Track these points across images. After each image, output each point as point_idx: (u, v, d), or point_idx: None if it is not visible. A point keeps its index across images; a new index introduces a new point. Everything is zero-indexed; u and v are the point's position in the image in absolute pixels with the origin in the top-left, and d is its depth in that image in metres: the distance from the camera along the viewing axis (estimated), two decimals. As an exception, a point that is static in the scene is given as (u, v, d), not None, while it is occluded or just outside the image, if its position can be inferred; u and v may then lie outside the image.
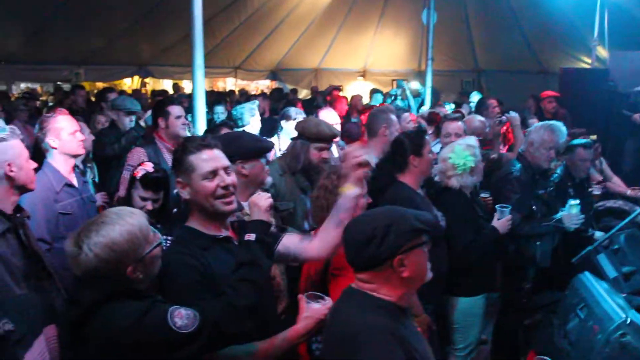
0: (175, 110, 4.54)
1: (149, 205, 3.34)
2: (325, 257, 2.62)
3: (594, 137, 5.86)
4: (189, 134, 4.57)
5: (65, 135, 3.79)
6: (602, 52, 10.68)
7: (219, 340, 2.01)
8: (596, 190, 5.15)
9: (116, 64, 11.89)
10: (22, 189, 2.92)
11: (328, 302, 2.29)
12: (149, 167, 3.42)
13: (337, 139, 4.73)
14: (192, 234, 2.28)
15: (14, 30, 9.20)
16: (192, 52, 4.51)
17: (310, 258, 2.63)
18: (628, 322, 2.85)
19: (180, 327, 1.90)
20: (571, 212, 4.05)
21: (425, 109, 8.38)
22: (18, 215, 2.88)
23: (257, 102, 5.98)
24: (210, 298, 2.06)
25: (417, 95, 11.10)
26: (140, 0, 9.29)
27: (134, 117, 5.65)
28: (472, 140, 4.01)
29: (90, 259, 1.92)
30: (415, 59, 14.51)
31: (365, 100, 11.48)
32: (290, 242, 2.53)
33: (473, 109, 7.94)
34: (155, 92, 12.11)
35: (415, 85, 12.14)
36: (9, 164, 2.82)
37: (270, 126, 6.06)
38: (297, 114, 5.32)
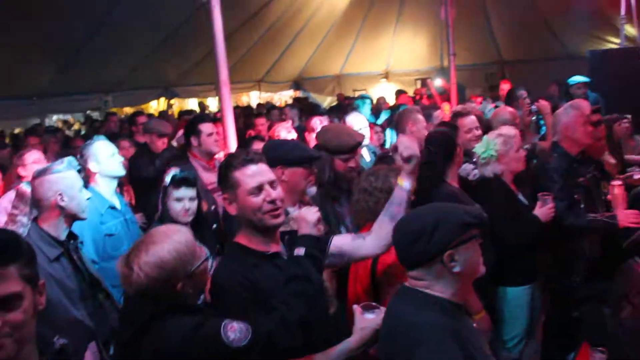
0: (207, 127, 4.64)
1: (187, 203, 3.43)
2: (381, 252, 2.58)
3: (628, 116, 5.68)
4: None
5: (104, 158, 3.99)
6: (631, 30, 10.43)
7: (271, 354, 2.01)
8: (637, 174, 4.97)
9: (142, 88, 12.10)
10: (74, 217, 3.10)
11: (383, 312, 2.25)
12: (173, 170, 3.55)
13: (366, 141, 4.77)
14: (242, 251, 2.29)
15: (43, 66, 9.48)
16: (216, 69, 4.56)
17: (366, 255, 2.60)
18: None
19: (234, 341, 1.92)
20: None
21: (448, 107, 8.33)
22: (72, 241, 3.05)
23: (290, 121, 6.13)
24: (261, 314, 2.07)
25: (442, 92, 11.02)
26: (160, 24, 9.41)
27: (166, 140, 5.82)
28: (505, 129, 3.98)
29: (141, 279, 1.96)
30: (437, 56, 14.44)
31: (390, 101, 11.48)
32: (342, 242, 2.53)
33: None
34: (182, 112, 12.28)
35: (439, 82, 12.06)
36: (60, 194, 2.99)
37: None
38: (321, 123, 5.39)
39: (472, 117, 4.67)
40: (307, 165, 3.07)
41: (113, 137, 6.51)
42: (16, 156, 4.80)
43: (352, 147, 3.65)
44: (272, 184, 2.31)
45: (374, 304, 2.33)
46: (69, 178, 3.07)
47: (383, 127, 7.38)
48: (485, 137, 3.93)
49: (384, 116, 8.96)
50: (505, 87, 9.26)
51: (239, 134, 5.83)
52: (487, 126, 4.90)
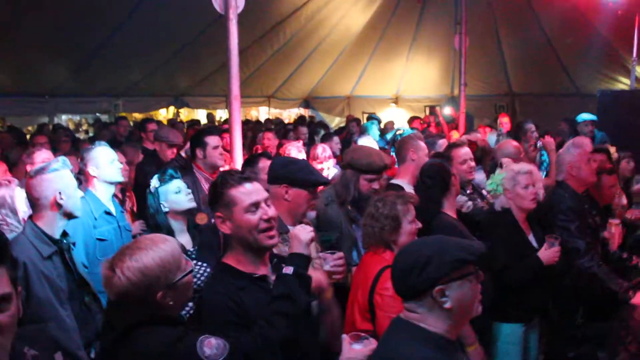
0: (213, 140, 4.64)
1: (186, 190, 3.51)
2: None
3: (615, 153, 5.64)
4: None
5: (104, 163, 4.01)
6: (641, 72, 10.50)
7: None
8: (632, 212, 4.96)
9: (153, 95, 12.18)
10: (69, 216, 3.12)
11: (372, 343, 2.24)
12: (155, 176, 3.55)
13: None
14: (229, 272, 2.27)
15: (58, 66, 9.58)
16: (228, 83, 4.61)
17: None
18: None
19: (209, 357, 1.90)
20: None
21: (457, 135, 8.33)
22: (64, 241, 3.08)
23: (301, 142, 6.19)
24: (242, 332, 2.06)
25: (450, 121, 11.05)
26: (177, 34, 9.49)
27: (175, 150, 5.89)
28: (518, 165, 3.98)
29: (122, 282, 1.95)
30: (448, 85, 14.50)
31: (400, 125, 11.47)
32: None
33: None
34: (191, 122, 12.34)
35: (448, 111, 12.10)
36: (59, 192, 3.03)
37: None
38: (324, 153, 5.47)
39: (466, 149, 4.67)
40: (312, 189, 3.07)
41: (118, 143, 6.59)
42: (25, 154, 4.82)
43: (380, 168, 3.73)
44: (266, 201, 2.31)
45: (362, 334, 2.30)
46: (66, 177, 3.11)
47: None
48: (497, 170, 3.96)
49: (389, 136, 8.95)
50: (504, 120, 9.25)
51: (246, 147, 5.87)
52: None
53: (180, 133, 6.70)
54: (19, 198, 3.52)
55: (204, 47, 9.90)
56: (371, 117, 9.91)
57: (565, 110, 10.47)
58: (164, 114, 14.95)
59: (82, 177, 4.02)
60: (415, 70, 14.63)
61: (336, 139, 7.31)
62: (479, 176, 5.13)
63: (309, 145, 6.89)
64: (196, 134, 5.06)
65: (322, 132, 8.94)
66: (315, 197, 3.16)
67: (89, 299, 3.10)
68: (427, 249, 1.94)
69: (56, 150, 6.17)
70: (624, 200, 5.07)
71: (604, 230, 4.36)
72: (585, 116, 8.31)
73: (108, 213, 3.98)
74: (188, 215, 3.57)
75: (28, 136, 9.91)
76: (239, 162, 4.54)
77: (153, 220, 3.49)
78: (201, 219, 3.72)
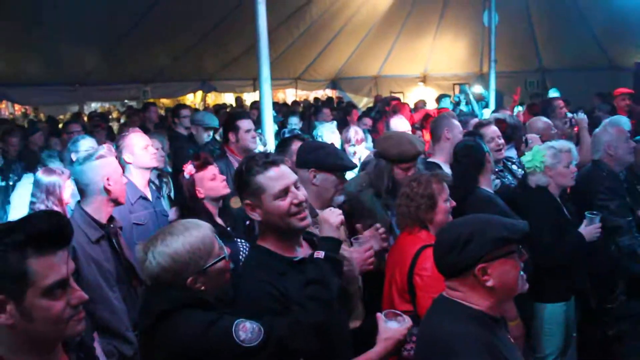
0: (245, 124, 4.67)
1: (220, 176, 3.46)
2: None
3: None
4: (261, 146, 4.71)
5: (138, 150, 4.12)
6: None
7: (283, 356, 2.01)
8: None
9: (181, 80, 12.27)
10: (116, 202, 3.22)
11: (407, 321, 2.25)
12: (188, 163, 3.51)
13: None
14: (269, 257, 2.24)
15: (88, 54, 9.71)
16: (258, 65, 4.60)
17: None
18: None
19: (244, 341, 1.93)
20: None
21: (489, 113, 8.22)
22: (112, 225, 3.18)
23: (335, 122, 6.14)
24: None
25: (480, 99, 10.90)
26: (205, 17, 9.51)
27: (211, 132, 5.95)
28: (561, 143, 3.93)
29: (153, 267, 2.01)
30: (477, 62, 14.29)
31: (430, 105, 11.39)
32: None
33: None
34: (217, 107, 12.42)
35: (478, 89, 11.92)
36: (108, 178, 3.13)
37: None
38: (356, 135, 5.41)
39: (494, 127, 4.65)
40: (340, 174, 3.08)
41: (147, 130, 6.68)
42: (70, 143, 4.87)
43: (413, 155, 3.61)
44: (295, 184, 2.27)
45: (398, 312, 2.31)
46: (113, 163, 3.22)
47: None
48: (536, 146, 3.92)
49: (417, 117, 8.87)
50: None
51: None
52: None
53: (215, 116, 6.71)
54: (67, 189, 3.65)
55: (230, 30, 9.94)
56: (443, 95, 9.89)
57: (599, 85, 10.25)
58: (191, 99, 15.07)
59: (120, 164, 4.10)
60: (443, 48, 14.44)
61: (366, 120, 7.25)
62: (511, 153, 5.09)
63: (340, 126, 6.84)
64: (228, 117, 5.10)
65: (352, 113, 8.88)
66: (343, 181, 3.15)
67: (136, 282, 3.17)
68: (468, 227, 1.96)
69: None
70: None
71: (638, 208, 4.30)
72: (621, 90, 8.12)
73: (144, 198, 4.06)
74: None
75: (60, 125, 10.13)
76: (271, 145, 4.55)
77: (190, 204, 3.47)
78: (235, 202, 3.69)
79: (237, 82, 13.25)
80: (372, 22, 13.50)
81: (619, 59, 12.39)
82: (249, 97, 14.71)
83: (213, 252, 2.09)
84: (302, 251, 2.33)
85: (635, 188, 4.49)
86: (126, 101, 13.40)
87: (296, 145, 4.07)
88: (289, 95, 16.22)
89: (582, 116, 5.66)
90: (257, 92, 5.46)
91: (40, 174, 3.69)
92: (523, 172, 4.19)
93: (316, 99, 15.47)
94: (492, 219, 2.01)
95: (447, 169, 4.10)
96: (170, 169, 5.40)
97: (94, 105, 13.86)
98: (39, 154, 5.85)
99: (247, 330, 1.95)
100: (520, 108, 8.70)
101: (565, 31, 12.44)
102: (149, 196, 4.13)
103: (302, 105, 13.33)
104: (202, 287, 2.05)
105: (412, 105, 10.83)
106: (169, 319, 1.94)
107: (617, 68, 12.20)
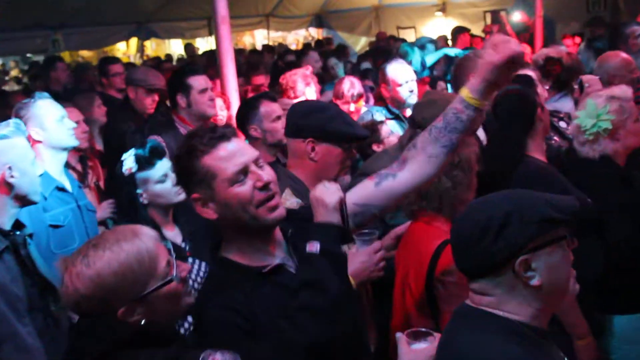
0: (199, 81, 4.64)
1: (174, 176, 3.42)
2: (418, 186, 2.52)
3: None
4: (221, 112, 4.70)
5: (50, 123, 4.00)
6: None
7: None
8: None
9: (106, 24, 12.11)
10: (24, 201, 3.15)
11: (437, 338, 2.22)
12: (130, 153, 3.49)
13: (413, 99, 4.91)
14: (231, 271, 2.25)
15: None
16: (212, 1, 4.58)
17: (403, 192, 2.51)
18: None
19: None
20: None
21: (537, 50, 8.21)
22: (18, 232, 3.10)
23: (310, 67, 6.14)
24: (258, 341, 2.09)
25: (522, 30, 10.90)
26: None
27: (157, 97, 5.90)
28: (618, 89, 3.89)
29: (70, 293, 1.98)
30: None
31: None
32: (362, 192, 2.48)
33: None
34: (160, 59, 12.32)
35: (517, 16, 11.92)
36: (10, 167, 3.05)
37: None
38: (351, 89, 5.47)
39: (533, 74, 4.58)
40: (347, 146, 3.09)
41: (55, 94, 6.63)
42: None
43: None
44: (257, 162, 2.25)
45: (424, 329, 2.30)
46: (20, 147, 3.13)
47: (435, 79, 7.35)
48: (589, 101, 3.80)
49: (431, 58, 8.83)
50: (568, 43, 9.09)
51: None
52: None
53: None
54: None
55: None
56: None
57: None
58: (123, 50, 14.97)
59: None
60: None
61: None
62: (566, 105, 5.06)
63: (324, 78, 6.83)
64: (175, 75, 5.05)
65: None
66: (351, 156, 3.18)
67: (56, 307, 3.12)
68: (500, 206, 1.94)
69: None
70: None
71: None
72: None
73: (62, 189, 4.00)
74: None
75: None
76: (234, 108, 4.62)
77: (128, 210, 3.51)
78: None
79: (186, 23, 13.17)
80: None
81: None
82: (203, 45, 14.64)
83: (155, 273, 2.05)
84: (278, 254, 2.32)
85: None
86: (29, 55, 13.25)
87: (265, 107, 4.20)
88: (259, 38, 16.14)
89: None
90: (214, 36, 5.39)
91: None
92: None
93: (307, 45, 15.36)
94: (532, 195, 1.99)
95: (479, 132, 4.05)
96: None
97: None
98: None
99: None
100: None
101: None
102: (68, 186, 4.07)
103: (276, 52, 13.26)
104: (142, 320, 2.02)
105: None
106: None
107: None
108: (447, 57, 8.42)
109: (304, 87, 5.46)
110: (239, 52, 11.70)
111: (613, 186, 3.67)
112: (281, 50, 13.71)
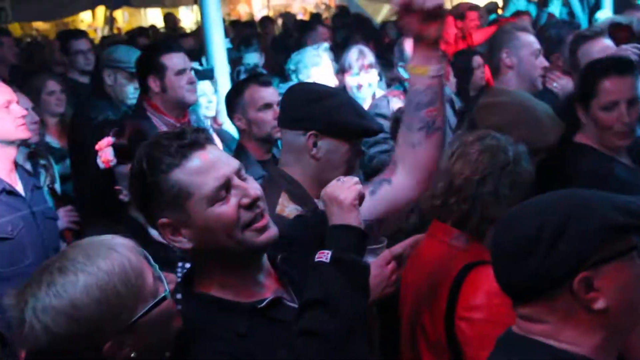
0: (175, 61, 4.68)
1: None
2: (421, 191, 2.64)
3: None
4: (204, 99, 4.76)
5: None
6: None
7: None
8: None
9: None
10: None
11: None
12: (104, 141, 3.50)
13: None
14: (216, 310, 2.21)
15: None
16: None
17: (403, 202, 2.63)
18: None
19: None
20: None
21: (604, 16, 8.20)
22: None
23: (324, 44, 6.08)
24: None
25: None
26: None
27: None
28: None
29: (38, 334, 1.89)
30: None
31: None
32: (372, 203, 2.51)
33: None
34: (134, 33, 12.27)
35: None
36: None
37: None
38: (361, 59, 5.44)
39: (605, 42, 4.72)
40: (358, 141, 3.10)
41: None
42: None
43: (551, 145, 3.67)
44: (240, 174, 2.21)
45: None
46: None
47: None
48: None
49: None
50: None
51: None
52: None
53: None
54: None
55: None
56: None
57: None
58: (88, 21, 15.00)
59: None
60: None
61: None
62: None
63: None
64: (146, 52, 5.12)
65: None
66: (360, 153, 3.17)
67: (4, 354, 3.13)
68: (553, 211, 1.90)
69: None
70: None
71: None
72: None
73: (10, 192, 4.01)
74: None
75: None
76: (222, 93, 4.67)
77: (107, 210, 3.55)
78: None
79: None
80: None
81: None
82: (188, 16, 14.65)
83: (144, 292, 2.01)
84: (269, 285, 2.30)
85: None
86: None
87: (252, 92, 4.25)
88: (256, 5, 16.14)
89: None
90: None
91: None
92: None
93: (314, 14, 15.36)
94: (595, 197, 1.96)
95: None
96: (57, 145, 5.40)
97: None
98: None
99: None
100: None
101: None
102: (20, 189, 4.08)
103: (278, 23, 13.35)
104: (132, 354, 1.99)
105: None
106: None
107: None
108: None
109: (311, 69, 5.44)
110: (233, 25, 11.77)
111: None
112: (288, 20, 13.77)
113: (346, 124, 2.99)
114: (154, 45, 5.73)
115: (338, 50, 8.40)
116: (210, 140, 2.22)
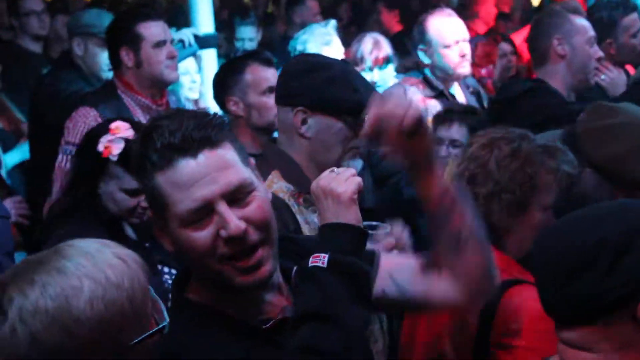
0: (154, 30, 4.62)
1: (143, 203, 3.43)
2: (468, 303, 2.45)
3: None
4: (187, 77, 4.73)
5: None
6: None
7: None
8: None
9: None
10: None
11: None
12: (123, 130, 3.48)
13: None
14: (210, 322, 2.13)
15: None
16: None
17: (442, 303, 2.45)
18: None
19: None
20: None
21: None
22: None
23: (333, 21, 6.08)
24: None
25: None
26: None
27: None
28: None
29: (18, 340, 1.80)
30: None
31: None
32: (400, 269, 2.39)
33: None
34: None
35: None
36: None
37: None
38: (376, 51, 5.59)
39: (634, 16, 4.94)
40: (354, 119, 3.03)
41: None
42: None
43: None
44: (237, 194, 2.06)
45: None
46: None
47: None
48: None
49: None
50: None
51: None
52: None
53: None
54: None
55: None
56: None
57: None
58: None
59: None
60: None
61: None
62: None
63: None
64: (118, 19, 5.03)
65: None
66: (357, 134, 3.12)
67: None
68: (612, 223, 1.87)
69: None
70: None
71: None
72: None
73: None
74: None
75: None
76: (209, 75, 4.58)
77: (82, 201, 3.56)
78: None
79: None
80: None
81: None
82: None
83: (145, 314, 1.96)
84: (278, 302, 2.20)
85: None
86: None
87: (254, 72, 4.30)
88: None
89: None
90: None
91: None
92: None
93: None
94: None
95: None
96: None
97: None
98: None
99: None
100: None
101: None
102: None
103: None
104: None
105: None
106: None
107: None
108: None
109: (320, 47, 5.45)
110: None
111: None
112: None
113: (337, 99, 3.07)
114: (127, 12, 5.60)
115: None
116: (215, 144, 2.06)
